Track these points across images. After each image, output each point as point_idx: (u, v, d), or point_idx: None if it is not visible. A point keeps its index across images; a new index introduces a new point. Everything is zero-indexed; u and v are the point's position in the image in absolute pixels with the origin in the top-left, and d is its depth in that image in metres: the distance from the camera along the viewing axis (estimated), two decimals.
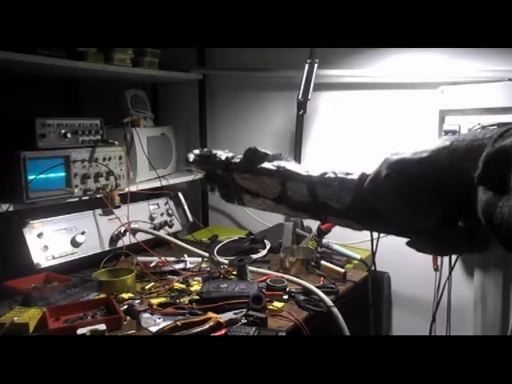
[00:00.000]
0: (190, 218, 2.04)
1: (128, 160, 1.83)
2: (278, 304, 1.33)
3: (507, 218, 0.47)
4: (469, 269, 1.71)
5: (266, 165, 0.83)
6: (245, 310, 1.22)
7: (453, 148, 0.54)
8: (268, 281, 1.42)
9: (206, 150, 0.93)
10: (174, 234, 1.94)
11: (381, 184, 0.61)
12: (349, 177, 0.68)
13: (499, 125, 0.66)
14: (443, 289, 1.65)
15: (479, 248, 0.60)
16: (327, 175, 0.71)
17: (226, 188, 0.88)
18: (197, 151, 0.93)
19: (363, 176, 0.66)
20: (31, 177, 1.47)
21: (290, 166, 0.79)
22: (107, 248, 1.70)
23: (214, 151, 0.91)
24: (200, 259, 1.67)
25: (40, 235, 1.53)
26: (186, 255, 1.69)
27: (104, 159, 1.73)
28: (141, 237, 1.75)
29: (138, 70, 1.92)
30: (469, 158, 0.52)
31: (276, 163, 0.82)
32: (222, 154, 0.90)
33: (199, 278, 1.52)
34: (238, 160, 0.88)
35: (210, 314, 1.20)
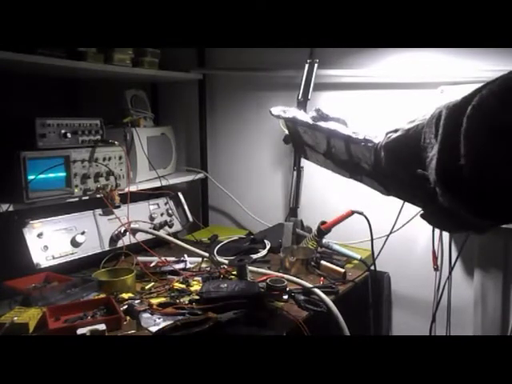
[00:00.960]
0: (190, 218, 2.04)
1: (128, 160, 1.83)
2: (278, 304, 1.33)
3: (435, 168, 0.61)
4: (469, 269, 1.71)
5: (321, 122, 0.96)
6: (245, 310, 1.22)
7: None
8: (268, 281, 1.42)
9: (288, 109, 1.09)
10: (174, 234, 1.94)
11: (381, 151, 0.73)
12: (370, 138, 0.81)
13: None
14: (443, 289, 1.65)
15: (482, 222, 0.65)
16: (356, 135, 0.83)
17: (295, 141, 1.06)
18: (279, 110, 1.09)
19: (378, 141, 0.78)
20: (31, 177, 1.47)
21: (337, 125, 0.91)
22: (107, 248, 1.70)
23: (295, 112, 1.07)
24: (200, 259, 1.67)
25: (40, 235, 1.53)
26: (186, 255, 1.69)
27: (104, 159, 1.73)
28: (141, 237, 1.75)
29: (138, 70, 1.92)
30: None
31: (329, 123, 0.94)
32: (301, 115, 1.05)
33: (199, 278, 1.52)
34: (312, 112, 1.02)
35: (210, 314, 1.20)
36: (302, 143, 1.04)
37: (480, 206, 0.58)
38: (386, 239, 1.60)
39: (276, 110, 1.13)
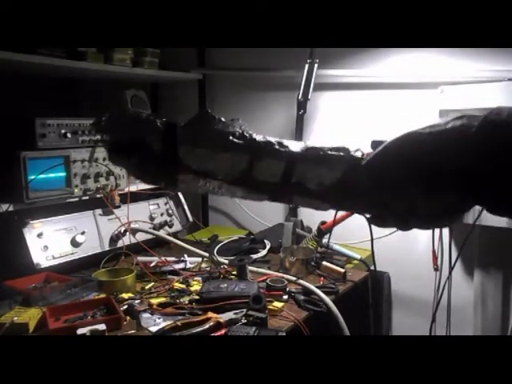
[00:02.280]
0: (190, 218, 2.04)
1: None
2: (277, 304, 1.33)
3: None
4: (469, 269, 1.71)
5: (228, 135, 0.61)
6: (245, 309, 1.22)
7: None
8: (268, 281, 1.42)
9: (125, 109, 0.76)
10: (174, 234, 1.94)
11: (392, 158, 0.55)
12: (341, 153, 0.58)
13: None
14: (443, 289, 1.65)
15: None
16: (312, 151, 0.59)
17: (151, 164, 0.63)
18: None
19: (360, 152, 0.58)
20: (31, 177, 1.47)
21: (260, 137, 0.62)
22: (107, 248, 1.70)
23: (142, 112, 0.67)
24: (200, 259, 1.67)
25: (40, 235, 1.53)
26: (186, 255, 1.69)
27: (104, 159, 1.73)
28: (141, 237, 1.75)
29: (138, 70, 1.92)
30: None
31: (240, 132, 0.62)
32: (157, 119, 0.65)
33: (199, 278, 1.52)
34: (185, 127, 0.63)
35: (210, 314, 1.20)
36: (173, 168, 0.62)
37: None
38: (387, 239, 1.59)
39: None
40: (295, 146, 0.60)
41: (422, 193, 0.53)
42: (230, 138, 0.61)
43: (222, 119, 0.63)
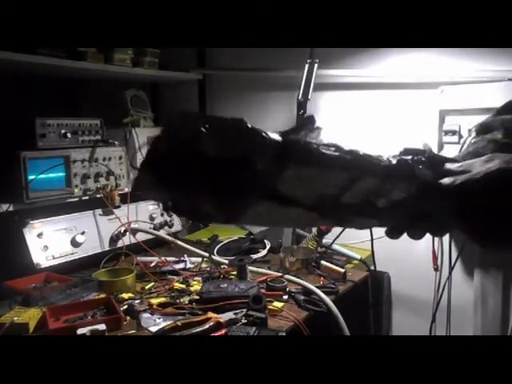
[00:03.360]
0: None
1: (128, 160, 1.83)
2: (277, 304, 1.33)
3: None
4: (469, 269, 1.71)
5: (323, 148, 0.46)
6: (245, 309, 1.22)
7: None
8: (268, 281, 1.42)
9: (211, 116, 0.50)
10: (174, 234, 1.94)
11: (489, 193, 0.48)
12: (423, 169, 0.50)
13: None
14: (443, 289, 1.65)
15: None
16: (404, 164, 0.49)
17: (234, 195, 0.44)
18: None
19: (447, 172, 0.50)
20: (31, 177, 1.47)
21: (362, 149, 0.49)
22: (107, 248, 1.70)
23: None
24: (200, 259, 1.67)
25: (40, 235, 1.53)
26: (185, 255, 1.69)
27: (104, 159, 1.73)
28: (141, 237, 1.75)
29: (138, 70, 1.92)
30: None
31: (332, 144, 0.47)
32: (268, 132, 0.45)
33: (199, 278, 1.52)
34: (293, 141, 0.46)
35: (210, 314, 1.20)
36: (261, 195, 0.45)
37: None
38: (388, 240, 1.59)
39: None
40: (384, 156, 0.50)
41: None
42: (326, 151, 0.46)
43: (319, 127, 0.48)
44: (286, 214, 0.48)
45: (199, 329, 1.13)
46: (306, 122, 0.47)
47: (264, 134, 0.43)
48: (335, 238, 1.67)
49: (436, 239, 1.64)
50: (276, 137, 0.44)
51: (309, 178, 0.46)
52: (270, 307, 1.30)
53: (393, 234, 0.54)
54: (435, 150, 1.39)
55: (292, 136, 0.45)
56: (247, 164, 0.42)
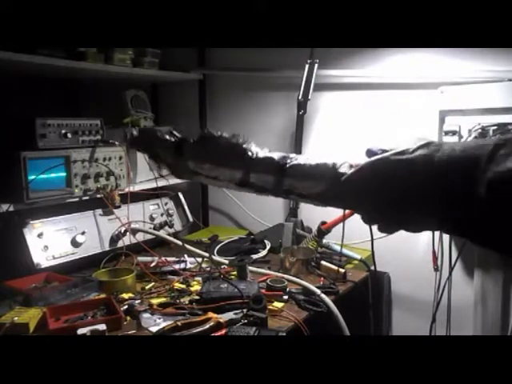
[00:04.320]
0: (190, 218, 2.04)
1: (128, 160, 1.83)
2: (277, 304, 1.33)
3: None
4: (469, 269, 1.71)
5: (227, 151, 0.74)
6: (245, 310, 1.22)
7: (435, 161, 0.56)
8: (268, 281, 1.42)
9: (148, 128, 0.97)
10: (174, 234, 1.94)
11: (367, 180, 0.61)
12: (325, 169, 0.66)
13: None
14: (443, 289, 1.65)
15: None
16: (297, 167, 0.69)
17: (176, 170, 0.80)
18: (135, 132, 0.92)
19: (340, 168, 0.65)
20: (31, 177, 1.47)
21: (256, 152, 0.73)
22: (107, 248, 1.70)
23: (159, 131, 0.81)
24: (200, 259, 1.67)
25: (40, 235, 1.53)
26: (186, 255, 1.69)
27: (104, 159, 1.73)
28: (141, 237, 1.76)
29: (138, 70, 1.92)
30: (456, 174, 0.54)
31: (238, 148, 0.73)
32: (168, 136, 0.79)
33: (199, 278, 1.52)
34: (191, 145, 0.78)
35: (210, 314, 1.20)
36: (191, 173, 0.77)
37: None
38: (387, 240, 1.59)
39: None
40: (284, 162, 0.71)
41: (396, 212, 0.60)
42: (228, 154, 0.74)
43: (224, 135, 0.75)
44: (219, 184, 0.76)
45: (199, 329, 1.13)
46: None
47: (167, 140, 0.79)
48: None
49: (436, 239, 1.64)
50: (172, 140, 0.79)
51: (208, 168, 0.76)
52: (270, 307, 1.30)
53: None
54: None
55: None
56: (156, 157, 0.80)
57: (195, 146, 0.77)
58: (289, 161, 0.71)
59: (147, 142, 0.82)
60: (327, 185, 0.65)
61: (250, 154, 0.73)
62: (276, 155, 0.73)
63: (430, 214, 0.58)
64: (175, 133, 0.79)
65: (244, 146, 0.74)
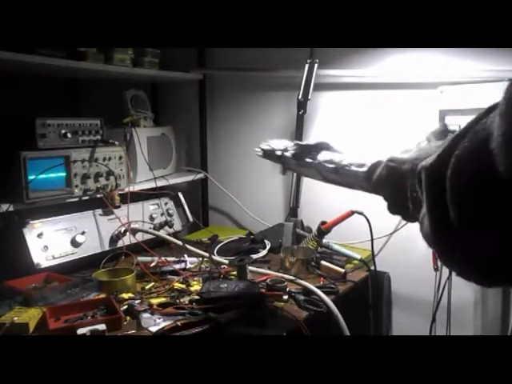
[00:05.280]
0: (190, 218, 2.04)
1: (128, 160, 1.83)
2: (278, 304, 1.33)
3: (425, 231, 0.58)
4: None
5: (307, 157, 1.01)
6: (245, 310, 1.22)
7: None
8: (268, 281, 1.42)
9: (267, 144, 1.15)
10: (174, 234, 1.94)
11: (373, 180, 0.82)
12: (356, 169, 0.87)
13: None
14: (443, 289, 1.65)
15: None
16: (342, 165, 0.90)
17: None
18: (260, 148, 1.18)
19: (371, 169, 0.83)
20: (31, 177, 1.47)
21: (323, 156, 0.96)
22: (107, 248, 1.70)
23: (272, 146, 1.12)
24: (200, 259, 1.67)
25: (40, 235, 1.53)
26: (186, 255, 1.69)
27: (104, 159, 1.73)
28: (141, 237, 1.76)
29: (138, 70, 1.92)
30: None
31: (312, 157, 0.99)
32: (278, 150, 1.11)
33: (199, 278, 1.52)
34: (290, 154, 1.07)
35: (210, 314, 1.20)
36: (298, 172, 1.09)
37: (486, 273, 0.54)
38: (387, 239, 1.60)
39: (261, 151, 1.18)
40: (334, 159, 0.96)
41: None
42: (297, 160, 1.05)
43: (311, 144, 1.03)
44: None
45: (199, 329, 1.13)
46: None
47: (275, 153, 1.15)
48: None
49: None
50: (279, 153, 1.13)
51: (299, 170, 1.11)
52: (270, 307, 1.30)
53: None
54: None
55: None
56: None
57: (291, 154, 1.08)
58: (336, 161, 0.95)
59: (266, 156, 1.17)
60: (352, 181, 0.89)
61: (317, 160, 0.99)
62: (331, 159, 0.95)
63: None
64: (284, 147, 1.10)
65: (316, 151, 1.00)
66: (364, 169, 0.84)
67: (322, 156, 0.97)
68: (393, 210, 0.80)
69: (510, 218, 0.47)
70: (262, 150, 1.17)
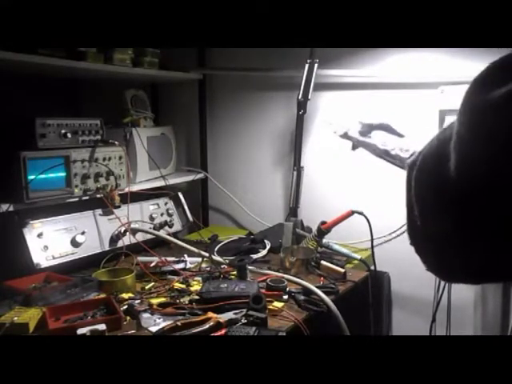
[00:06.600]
0: (190, 218, 2.04)
1: (128, 160, 1.83)
2: (277, 304, 1.33)
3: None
4: None
5: (366, 138, 1.06)
6: (245, 309, 1.22)
7: None
8: (268, 281, 1.42)
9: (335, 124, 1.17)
10: (174, 234, 1.94)
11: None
12: (400, 155, 0.89)
13: None
14: (443, 289, 1.65)
15: None
16: (388, 151, 0.95)
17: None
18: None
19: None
20: (31, 177, 1.47)
21: (376, 139, 1.02)
22: (107, 248, 1.70)
23: (338, 125, 1.16)
24: (200, 259, 1.67)
25: (40, 235, 1.53)
26: (186, 255, 1.68)
27: (104, 159, 1.73)
28: (141, 237, 1.75)
29: (137, 70, 1.92)
30: None
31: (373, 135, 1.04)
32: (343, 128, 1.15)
33: (199, 278, 1.52)
34: (353, 132, 1.10)
35: (210, 314, 1.20)
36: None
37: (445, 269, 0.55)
38: (387, 239, 1.60)
39: (332, 126, 1.20)
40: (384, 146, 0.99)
41: None
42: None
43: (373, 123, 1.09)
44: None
45: (199, 329, 1.13)
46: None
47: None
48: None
49: None
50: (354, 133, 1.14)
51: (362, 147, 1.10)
52: (270, 307, 1.30)
53: None
54: None
55: None
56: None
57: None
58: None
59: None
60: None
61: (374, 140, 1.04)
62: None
63: None
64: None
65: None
66: (406, 155, 0.85)
67: (379, 137, 1.02)
68: None
69: (459, 218, 0.48)
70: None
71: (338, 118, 1.19)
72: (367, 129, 1.07)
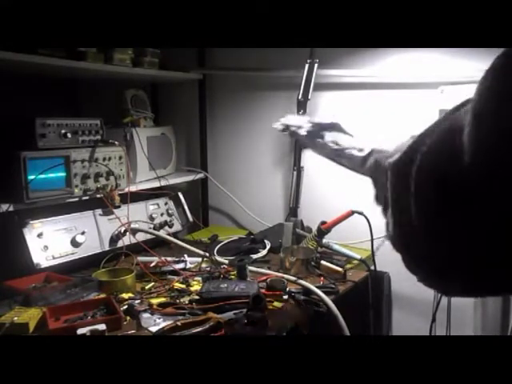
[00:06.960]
0: (190, 218, 2.04)
1: (128, 160, 1.83)
2: (277, 304, 1.33)
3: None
4: None
5: (318, 137, 1.03)
6: (245, 310, 1.22)
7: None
8: (268, 281, 1.42)
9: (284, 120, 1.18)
10: (174, 234, 1.94)
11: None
12: (353, 153, 0.87)
13: None
14: None
15: None
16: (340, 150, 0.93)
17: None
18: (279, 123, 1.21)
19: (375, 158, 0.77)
20: (31, 177, 1.47)
21: (329, 137, 0.99)
22: (107, 248, 1.70)
23: (288, 122, 1.16)
24: (200, 259, 1.67)
25: (40, 235, 1.53)
26: (186, 255, 1.68)
27: (104, 159, 1.73)
28: (141, 237, 1.75)
29: (138, 70, 1.92)
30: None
31: (322, 136, 1.01)
32: (293, 127, 1.13)
33: (199, 278, 1.52)
34: (303, 132, 1.08)
35: (210, 314, 1.20)
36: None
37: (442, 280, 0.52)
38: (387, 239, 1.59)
39: (278, 124, 1.22)
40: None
41: None
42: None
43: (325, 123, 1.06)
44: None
45: (199, 329, 1.13)
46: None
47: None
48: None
49: None
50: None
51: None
52: (270, 307, 1.30)
53: None
54: None
55: None
56: None
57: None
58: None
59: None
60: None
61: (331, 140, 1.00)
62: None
63: None
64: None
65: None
66: (362, 154, 0.84)
67: (330, 137, 0.99)
68: (377, 201, 0.76)
69: (467, 218, 0.46)
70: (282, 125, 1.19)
71: (291, 117, 1.19)
72: (317, 128, 1.04)
